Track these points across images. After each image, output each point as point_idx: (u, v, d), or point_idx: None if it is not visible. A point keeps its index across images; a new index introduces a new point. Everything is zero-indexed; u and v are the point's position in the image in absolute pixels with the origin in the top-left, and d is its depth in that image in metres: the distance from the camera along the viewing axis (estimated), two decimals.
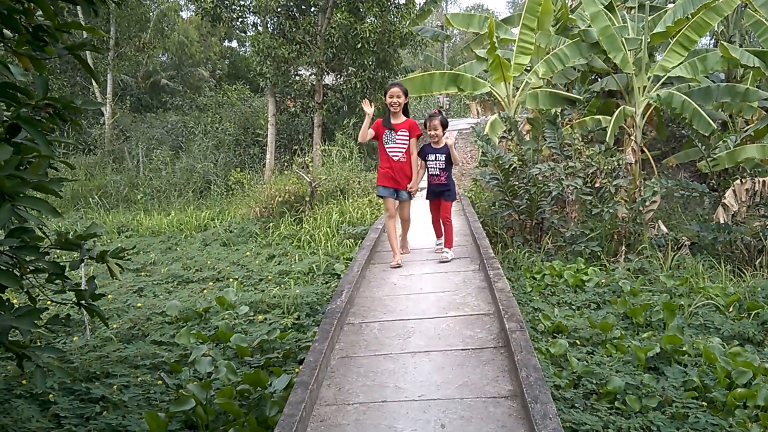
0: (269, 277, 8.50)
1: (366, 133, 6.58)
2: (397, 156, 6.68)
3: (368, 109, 6.48)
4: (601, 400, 4.72)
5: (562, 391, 4.74)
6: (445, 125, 6.72)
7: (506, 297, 4.89)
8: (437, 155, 6.75)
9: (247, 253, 10.18)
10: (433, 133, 6.68)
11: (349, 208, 11.94)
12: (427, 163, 6.79)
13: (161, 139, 20.63)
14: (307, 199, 12.49)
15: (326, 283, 8.16)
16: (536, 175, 9.53)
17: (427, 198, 7.10)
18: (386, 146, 6.68)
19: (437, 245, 7.29)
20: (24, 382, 4.67)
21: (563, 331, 6.16)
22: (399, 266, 6.66)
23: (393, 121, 6.65)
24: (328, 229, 10.82)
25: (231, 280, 8.47)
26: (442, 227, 7.06)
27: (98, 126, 21.71)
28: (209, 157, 18.11)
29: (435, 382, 3.90)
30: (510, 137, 12.37)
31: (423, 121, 6.85)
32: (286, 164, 16.84)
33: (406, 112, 6.75)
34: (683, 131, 12.37)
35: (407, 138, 6.69)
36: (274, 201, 12.44)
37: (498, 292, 5.05)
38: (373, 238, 7.90)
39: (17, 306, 3.10)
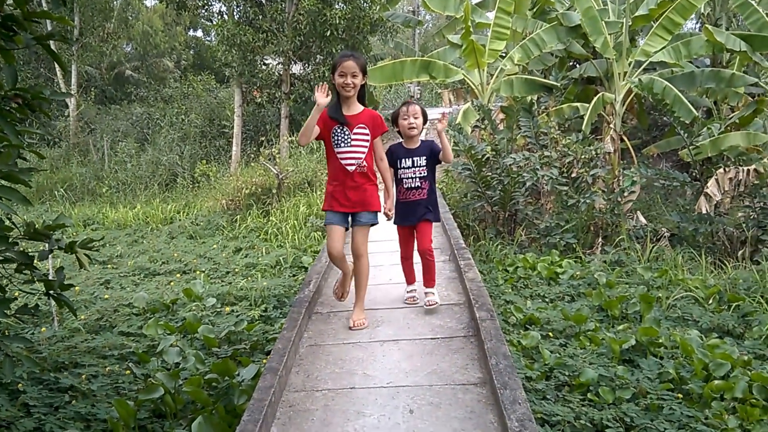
0: (236, 270, 8.52)
1: (310, 130, 4.34)
2: (353, 163, 4.46)
3: (321, 97, 4.23)
4: (574, 391, 4.66)
5: (533, 382, 4.70)
6: (425, 116, 4.86)
7: (477, 286, 4.99)
8: (415, 158, 4.78)
9: (214, 246, 10.17)
10: (411, 122, 4.74)
11: (317, 200, 11.97)
12: (400, 172, 4.82)
13: (126, 132, 20.36)
14: (275, 191, 12.49)
15: (293, 275, 8.21)
16: (510, 165, 9.30)
17: (396, 223, 4.96)
18: (336, 149, 4.48)
19: (408, 293, 5.15)
20: None
21: (536, 324, 6.06)
22: (357, 328, 4.64)
23: (346, 113, 4.48)
24: (295, 222, 10.85)
25: (198, 272, 8.46)
26: (422, 263, 4.89)
27: (63, 118, 21.33)
28: (175, 149, 17.96)
29: (404, 370, 3.98)
30: (483, 126, 12.09)
31: (392, 113, 4.94)
32: (252, 156, 16.76)
33: (362, 99, 4.61)
34: (665, 119, 11.99)
35: (367, 137, 4.50)
36: (241, 193, 12.42)
37: (468, 282, 5.14)
38: None
39: None
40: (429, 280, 4.89)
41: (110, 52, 24.59)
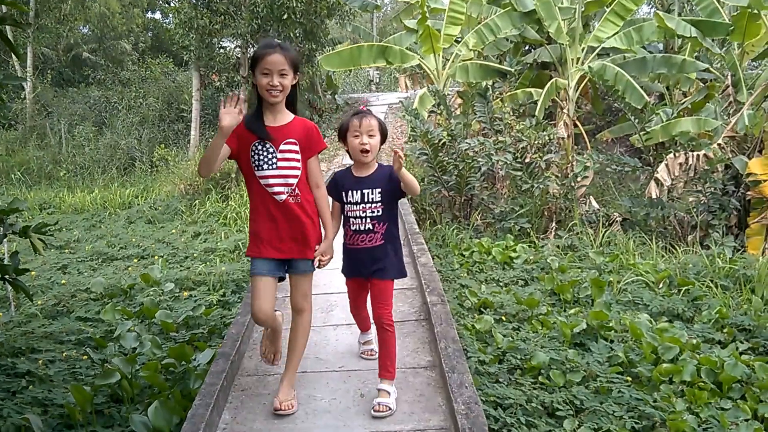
0: (195, 255, 8.46)
1: (215, 156, 3.19)
2: (281, 191, 3.33)
3: (227, 117, 3.07)
4: (526, 375, 4.65)
5: (486, 366, 4.66)
6: (384, 133, 3.56)
7: (429, 271, 5.06)
8: (366, 191, 3.51)
9: (173, 231, 10.06)
10: (363, 142, 3.43)
11: None
12: (346, 208, 3.56)
13: (84, 115, 19.85)
14: (233, 175, 12.38)
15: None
16: (465, 150, 9.24)
17: (344, 273, 3.75)
18: (258, 173, 3.34)
19: (364, 344, 4.09)
20: None
21: (489, 308, 6.00)
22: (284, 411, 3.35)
23: (270, 123, 3.36)
24: None
25: (156, 257, 8.38)
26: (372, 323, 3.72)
27: (19, 101, 20.68)
28: (133, 133, 17.62)
29: (356, 354, 4.04)
30: (439, 111, 12.03)
31: (339, 124, 3.63)
32: (211, 140, 16.54)
33: (293, 106, 3.48)
34: (618, 104, 11.77)
35: (299, 155, 3.37)
36: (200, 178, 12.28)
37: (421, 267, 5.22)
38: None
39: None
40: (385, 367, 3.43)
41: (67, 34, 23.85)
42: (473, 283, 6.81)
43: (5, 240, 3.58)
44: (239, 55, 17.10)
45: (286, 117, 3.37)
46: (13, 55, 20.57)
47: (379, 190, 3.46)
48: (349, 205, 3.50)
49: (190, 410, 3.07)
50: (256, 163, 3.29)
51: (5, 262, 3.63)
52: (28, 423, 3.85)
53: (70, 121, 19.03)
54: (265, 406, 3.42)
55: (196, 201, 11.78)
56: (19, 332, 5.49)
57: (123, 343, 5.17)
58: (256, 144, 3.29)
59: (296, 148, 3.33)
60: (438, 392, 3.50)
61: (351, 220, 3.50)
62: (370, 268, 3.52)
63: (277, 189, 3.31)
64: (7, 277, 3.53)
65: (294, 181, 3.33)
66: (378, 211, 3.46)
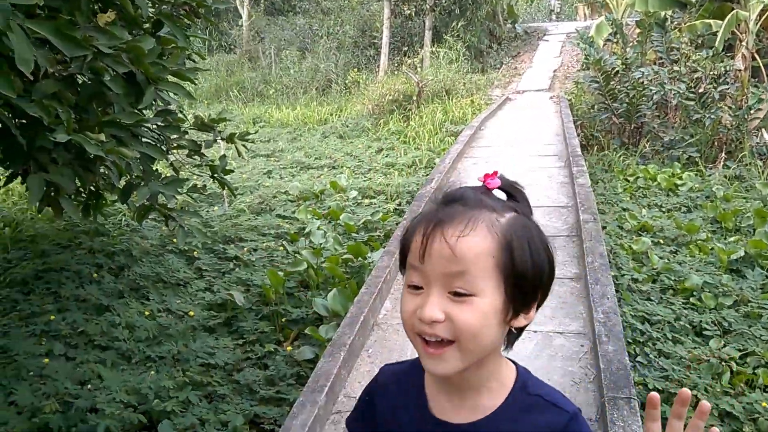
0: (377, 168, 8.70)
1: None
2: None
3: None
4: (677, 295, 4.52)
5: (639, 284, 4.57)
6: (530, 265, 0.90)
7: (585, 192, 4.84)
8: None
9: (359, 146, 10.40)
10: (429, 316, 0.88)
11: (452, 107, 11.80)
12: None
13: (290, 41, 20.82)
14: (415, 98, 12.41)
15: (426, 175, 8.25)
16: (638, 78, 8.77)
17: None
18: None
19: None
20: (174, 240, 5.18)
21: (648, 231, 5.82)
22: None
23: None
24: (432, 127, 10.79)
25: (344, 168, 8.74)
26: None
27: (237, 27, 22.16)
28: (331, 57, 18.19)
29: None
30: (615, 40, 11.40)
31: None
32: (397, 65, 16.64)
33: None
34: None
35: None
36: (385, 99, 12.46)
37: (578, 187, 4.99)
38: (468, 135, 7.83)
39: (164, 176, 3.43)
40: None
41: None
42: (635, 207, 6.59)
43: (216, 144, 3.88)
44: None
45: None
46: None
47: None
48: None
49: (357, 296, 3.21)
50: None
51: (215, 164, 3.95)
52: (233, 297, 4.29)
53: (279, 46, 20.07)
54: None
55: (381, 120, 12.02)
56: (230, 224, 6.08)
57: (312, 238, 5.54)
58: None
59: None
60: (580, 301, 3.40)
61: None
62: None
63: None
64: (216, 175, 3.85)
65: None
66: None
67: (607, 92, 9.13)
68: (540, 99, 12.01)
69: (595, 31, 12.28)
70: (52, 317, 3.89)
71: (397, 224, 6.16)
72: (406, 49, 17.02)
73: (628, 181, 7.56)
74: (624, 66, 9.34)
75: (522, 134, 7.69)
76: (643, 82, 8.82)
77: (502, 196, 0.95)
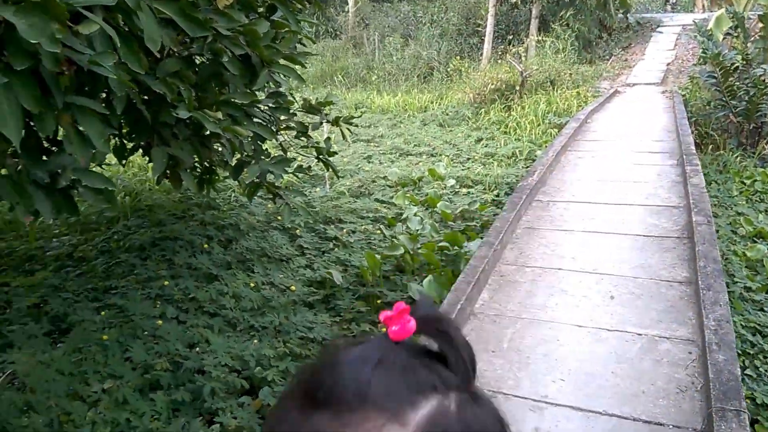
0: (476, 157, 8.59)
1: None
2: None
3: None
4: None
5: (752, 293, 4.31)
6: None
7: (699, 192, 4.55)
8: None
9: (459, 135, 10.31)
10: None
11: (557, 98, 11.41)
12: None
13: (394, 27, 20.89)
14: (518, 88, 12.12)
15: (527, 167, 8.05)
16: (760, 76, 8.15)
17: None
18: None
19: None
20: (279, 218, 5.35)
21: (765, 238, 5.47)
22: None
23: None
24: (534, 118, 10.51)
25: (442, 156, 8.69)
26: None
27: (343, 14, 22.51)
28: (434, 45, 18.09)
29: (611, 260, 3.84)
30: (735, 35, 10.66)
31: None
32: (501, 54, 16.28)
33: None
34: None
35: None
36: (487, 88, 12.25)
37: (691, 187, 4.70)
38: (574, 127, 7.55)
39: (273, 155, 3.54)
40: None
41: None
42: (751, 211, 6.18)
43: (322, 126, 3.96)
44: None
45: None
46: None
47: None
48: None
49: (454, 284, 3.19)
50: None
51: (321, 146, 4.03)
52: (332, 276, 4.38)
53: (383, 33, 20.19)
54: (520, 291, 3.41)
55: (482, 109, 11.84)
56: (331, 205, 6.21)
57: (409, 224, 5.56)
58: None
59: None
60: (689, 307, 3.20)
61: None
62: None
63: None
64: (321, 156, 3.93)
65: None
66: None
67: (725, 89, 8.55)
68: (651, 93, 11.38)
69: (714, 24, 11.59)
70: (166, 282, 4.14)
71: (494, 215, 6.07)
72: (510, 37, 16.62)
73: (745, 183, 7.10)
74: (745, 62, 8.75)
75: (631, 129, 7.33)
76: (765, 80, 8.22)
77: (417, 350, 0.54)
